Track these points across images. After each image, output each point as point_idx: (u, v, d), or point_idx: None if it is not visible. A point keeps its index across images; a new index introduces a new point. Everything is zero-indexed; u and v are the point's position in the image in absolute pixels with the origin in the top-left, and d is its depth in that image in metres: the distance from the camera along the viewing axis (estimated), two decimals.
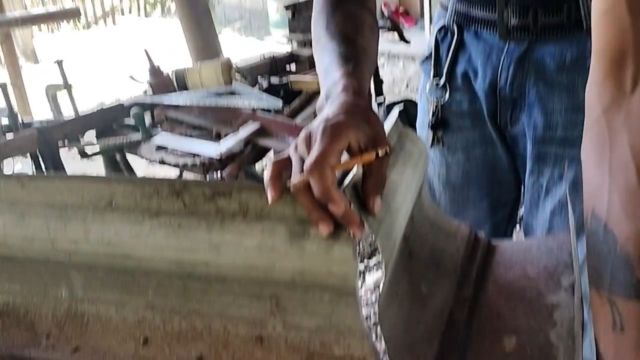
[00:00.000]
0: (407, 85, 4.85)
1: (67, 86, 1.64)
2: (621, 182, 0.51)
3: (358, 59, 0.70)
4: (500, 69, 0.91)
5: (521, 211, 1.05)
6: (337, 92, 0.60)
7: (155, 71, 1.71)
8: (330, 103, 0.58)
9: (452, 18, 0.96)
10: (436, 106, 1.01)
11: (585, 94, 0.63)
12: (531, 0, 0.85)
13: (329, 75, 0.66)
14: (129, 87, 5.29)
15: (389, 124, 0.69)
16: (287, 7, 2.22)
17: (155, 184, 0.50)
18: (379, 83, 2.29)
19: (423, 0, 5.80)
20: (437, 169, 1.08)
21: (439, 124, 1.02)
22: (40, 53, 6.89)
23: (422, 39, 5.57)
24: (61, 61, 1.64)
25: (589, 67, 0.87)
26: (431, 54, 1.01)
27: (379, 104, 2.38)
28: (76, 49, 7.13)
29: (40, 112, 4.25)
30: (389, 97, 4.34)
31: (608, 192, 0.53)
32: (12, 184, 0.56)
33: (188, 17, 2.23)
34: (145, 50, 1.72)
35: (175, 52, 5.20)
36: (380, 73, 2.78)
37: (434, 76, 1.00)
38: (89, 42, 7.60)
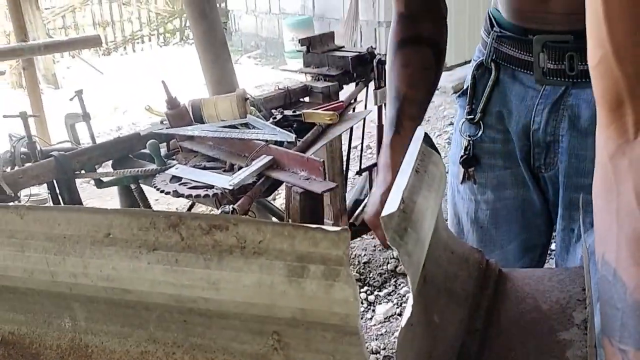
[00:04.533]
0: (429, 120, 4.87)
1: (86, 116, 1.68)
2: (628, 230, 0.52)
3: (401, 119, 0.91)
4: (534, 111, 0.92)
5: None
6: (380, 164, 0.91)
7: (172, 102, 1.75)
8: (377, 178, 0.92)
9: (490, 56, 0.98)
10: (469, 142, 1.02)
11: (596, 139, 0.64)
12: (567, 45, 0.86)
13: (385, 137, 0.92)
14: (145, 113, 5.40)
15: (414, 145, 0.77)
16: (301, 42, 2.26)
17: (152, 216, 0.51)
18: None
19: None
20: (467, 206, 1.08)
21: (471, 160, 1.03)
22: (60, 78, 7.04)
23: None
24: (80, 91, 1.68)
25: None
26: (467, 89, 1.03)
27: None
28: (96, 74, 7.28)
29: (59, 136, 4.34)
30: None
31: (616, 239, 0.53)
32: (11, 214, 0.57)
33: (205, 49, 2.28)
34: (163, 82, 1.76)
35: (192, 79, 5.29)
36: None
37: (468, 112, 1.02)
38: (109, 68, 7.76)
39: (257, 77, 6.76)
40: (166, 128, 1.76)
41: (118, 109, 5.77)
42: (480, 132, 1.00)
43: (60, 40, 4.61)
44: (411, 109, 0.93)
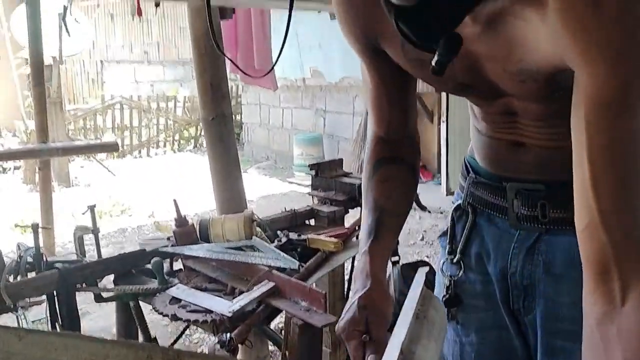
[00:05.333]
0: (423, 238, 4.89)
1: (95, 230, 1.72)
2: None
3: (380, 228, 0.89)
4: (511, 255, 0.93)
5: None
6: (357, 272, 0.87)
7: (180, 221, 1.79)
8: (353, 286, 0.88)
9: (467, 200, 1.01)
10: (450, 282, 1.02)
11: (582, 301, 0.65)
12: (540, 193, 0.89)
13: (360, 248, 0.90)
14: (152, 219, 5.46)
15: (414, 289, 0.80)
16: (310, 167, 2.34)
17: (149, 350, 0.51)
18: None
19: (440, 157, 6.04)
20: (452, 348, 1.07)
21: (453, 300, 1.02)
22: (73, 177, 7.20)
23: (439, 194, 5.73)
24: (93, 206, 1.73)
25: None
26: (447, 229, 1.05)
27: (394, 263, 2.40)
28: (108, 175, 7.45)
29: (62, 234, 4.37)
30: (404, 248, 4.39)
31: None
32: (10, 335, 0.57)
33: (218, 169, 2.37)
34: (174, 200, 1.81)
35: (203, 186, 5.39)
36: None
37: (449, 252, 1.03)
38: (122, 169, 7.95)
39: (265, 188, 6.89)
40: (171, 245, 1.79)
41: (125, 211, 5.84)
42: (461, 272, 1.01)
43: (79, 145, 4.78)
44: (390, 221, 0.92)
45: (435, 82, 0.86)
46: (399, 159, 0.97)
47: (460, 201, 1.03)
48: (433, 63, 0.71)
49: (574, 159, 0.66)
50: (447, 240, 1.04)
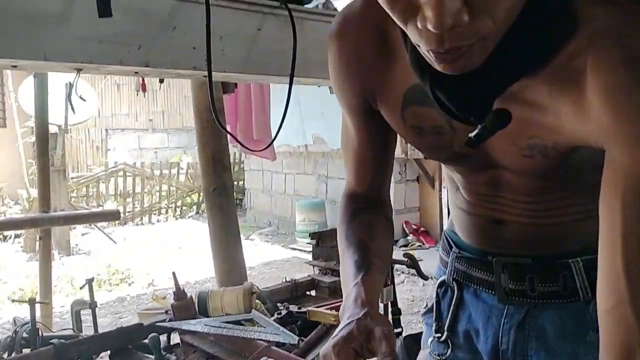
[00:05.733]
0: (427, 305, 4.79)
1: (92, 304, 1.70)
2: None
3: (369, 264, 0.81)
4: (501, 331, 0.90)
5: None
6: (349, 303, 0.75)
7: (179, 294, 1.77)
8: (344, 316, 0.75)
9: (451, 275, 0.98)
10: None
11: None
12: (527, 267, 0.87)
13: (346, 285, 0.80)
14: (151, 288, 5.40)
15: None
16: (311, 236, 2.34)
17: None
18: (396, 313, 2.29)
19: (443, 222, 6.02)
20: None
21: None
22: (73, 244, 7.18)
23: None
24: (91, 279, 1.71)
25: (590, 339, 0.88)
26: (432, 306, 1.01)
27: (397, 335, 2.35)
28: (109, 242, 7.42)
29: (64, 303, 4.32)
30: (407, 317, 4.31)
31: None
32: None
33: (218, 239, 2.36)
34: (173, 273, 1.80)
35: (204, 253, 5.36)
36: (400, 291, 2.75)
37: (436, 330, 1.00)
38: (123, 236, 7.93)
39: (267, 254, 6.85)
40: (169, 319, 1.76)
41: (125, 280, 5.78)
42: (449, 351, 0.97)
43: (80, 213, 4.79)
44: (377, 262, 0.82)
45: (430, 150, 0.84)
46: (376, 210, 0.93)
47: (444, 277, 1.00)
48: (471, 135, 0.69)
49: (602, 238, 0.64)
50: (434, 318, 1.01)
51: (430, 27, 0.54)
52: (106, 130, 11.94)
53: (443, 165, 0.96)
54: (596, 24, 0.63)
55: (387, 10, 0.59)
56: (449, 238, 1.01)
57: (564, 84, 0.65)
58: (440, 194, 5.97)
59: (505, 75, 0.66)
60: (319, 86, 1.98)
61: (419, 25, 0.56)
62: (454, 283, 0.97)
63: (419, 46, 0.61)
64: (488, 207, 0.88)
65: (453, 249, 0.99)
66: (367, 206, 0.92)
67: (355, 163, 0.94)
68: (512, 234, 0.87)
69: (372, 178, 0.94)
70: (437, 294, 1.01)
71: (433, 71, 0.64)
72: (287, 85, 1.64)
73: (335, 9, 1.90)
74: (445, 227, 1.04)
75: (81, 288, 1.70)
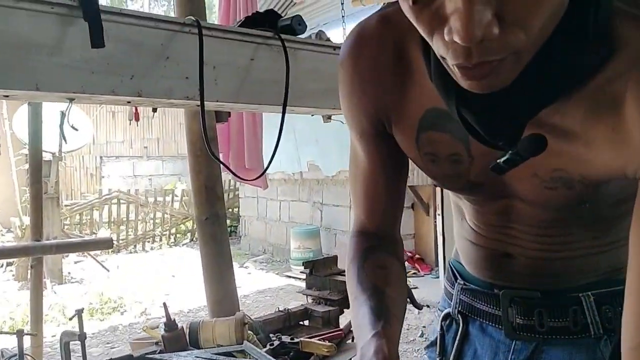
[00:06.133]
0: (422, 334, 4.76)
1: (82, 336, 1.67)
2: None
3: (388, 313, 0.74)
4: None
5: None
6: (369, 356, 0.67)
7: (170, 325, 1.74)
8: None
9: (456, 307, 0.94)
10: None
11: None
12: (536, 301, 0.83)
13: (362, 334, 0.72)
14: (144, 317, 5.33)
15: None
16: (304, 265, 2.32)
17: None
18: None
19: (437, 249, 6.01)
20: None
21: None
22: (66, 273, 7.10)
23: (437, 287, 5.64)
24: (81, 310, 1.69)
25: None
26: (436, 340, 0.97)
27: None
28: (102, 271, 7.35)
29: (55, 332, 4.24)
30: (403, 346, 4.26)
31: None
32: None
33: (210, 268, 2.34)
34: (164, 304, 1.77)
35: (197, 281, 5.31)
36: None
37: None
38: (117, 264, 7.86)
39: (261, 282, 6.79)
40: (160, 351, 1.73)
41: (117, 308, 5.71)
42: None
43: (73, 242, 4.74)
44: (395, 308, 0.76)
45: (443, 178, 0.78)
46: (389, 250, 0.87)
47: (449, 309, 0.96)
48: (500, 161, 0.63)
49: (631, 273, 0.60)
50: (437, 352, 0.96)
51: (457, 39, 0.49)
52: (101, 157, 11.94)
53: (451, 193, 0.90)
54: (638, 46, 0.58)
55: (412, 20, 0.54)
56: (454, 269, 0.97)
57: (600, 109, 0.60)
58: (435, 221, 5.96)
59: (539, 97, 0.60)
60: (312, 115, 1.98)
61: (445, 37, 0.51)
62: (459, 316, 0.93)
63: (444, 59, 0.56)
64: (496, 238, 0.84)
65: (458, 280, 0.95)
66: (379, 245, 0.86)
67: (365, 195, 0.87)
68: (521, 266, 0.83)
69: (384, 212, 0.88)
70: (442, 327, 0.97)
71: (459, 89, 0.58)
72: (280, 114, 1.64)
73: (328, 39, 1.92)
74: (448, 256, 1.00)
75: (70, 319, 1.67)
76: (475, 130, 0.62)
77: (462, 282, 0.94)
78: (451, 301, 0.96)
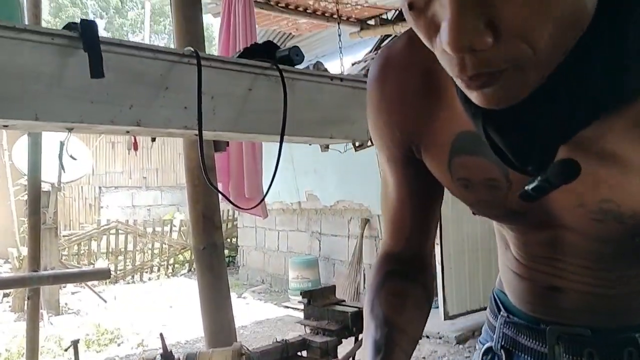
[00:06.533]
0: None
1: None
2: None
3: (390, 346, 0.73)
4: None
5: None
6: None
7: (167, 356, 1.72)
8: None
9: (499, 342, 0.88)
10: None
11: None
12: (586, 339, 0.77)
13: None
14: (141, 348, 5.26)
15: None
16: (302, 295, 2.30)
17: None
18: None
19: (436, 280, 5.96)
20: None
21: None
22: (63, 303, 7.03)
23: (437, 318, 5.58)
24: (77, 341, 1.67)
25: None
26: None
27: None
28: (100, 302, 7.28)
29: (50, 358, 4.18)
30: None
31: None
32: None
33: (207, 298, 2.32)
34: (161, 334, 1.76)
35: (194, 311, 5.25)
36: None
37: None
38: (114, 295, 7.79)
39: (259, 313, 6.72)
40: None
41: (114, 340, 5.64)
42: None
43: (70, 272, 4.71)
44: (402, 340, 0.75)
45: (479, 205, 0.73)
46: (411, 275, 0.84)
47: (490, 343, 0.89)
48: (528, 188, 0.56)
49: None
50: None
51: (447, 48, 0.46)
52: (100, 187, 11.95)
53: (494, 221, 0.84)
54: None
55: (413, 28, 0.51)
56: (497, 299, 0.91)
57: None
58: (434, 252, 5.93)
59: (575, 116, 0.53)
60: (309, 144, 2.00)
61: (438, 45, 0.48)
62: (502, 351, 0.86)
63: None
64: (542, 270, 0.77)
65: (502, 312, 0.88)
66: (402, 270, 0.84)
67: (391, 219, 0.84)
68: (570, 301, 0.76)
69: (410, 236, 0.85)
70: None
71: (486, 108, 0.52)
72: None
73: (326, 70, 1.94)
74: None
75: (66, 350, 1.65)
76: (502, 152, 0.56)
77: (505, 315, 0.88)
78: (494, 334, 0.90)
